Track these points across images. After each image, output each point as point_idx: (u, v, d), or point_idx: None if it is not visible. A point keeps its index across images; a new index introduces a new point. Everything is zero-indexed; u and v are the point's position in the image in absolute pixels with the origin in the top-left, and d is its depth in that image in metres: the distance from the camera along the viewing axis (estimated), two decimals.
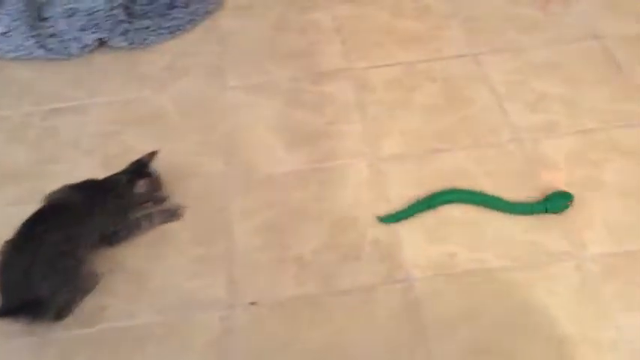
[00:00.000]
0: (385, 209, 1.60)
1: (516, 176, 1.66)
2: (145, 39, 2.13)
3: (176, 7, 2.22)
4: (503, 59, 2.02)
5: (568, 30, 2.10)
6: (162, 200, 1.63)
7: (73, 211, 1.43)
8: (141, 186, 1.55)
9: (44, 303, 1.34)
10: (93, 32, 2.11)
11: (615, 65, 1.96)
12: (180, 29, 2.17)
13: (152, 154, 1.60)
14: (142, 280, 1.50)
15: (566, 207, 1.56)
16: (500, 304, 1.42)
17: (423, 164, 1.72)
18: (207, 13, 2.23)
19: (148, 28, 2.15)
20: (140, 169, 1.57)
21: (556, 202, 1.57)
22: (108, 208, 1.49)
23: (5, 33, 2.13)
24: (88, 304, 1.45)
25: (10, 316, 1.32)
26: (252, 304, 1.44)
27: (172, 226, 1.59)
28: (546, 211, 1.56)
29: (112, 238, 1.52)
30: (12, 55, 2.11)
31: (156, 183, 1.59)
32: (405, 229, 1.57)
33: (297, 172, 1.71)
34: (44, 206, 1.44)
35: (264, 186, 1.69)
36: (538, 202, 1.57)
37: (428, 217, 1.59)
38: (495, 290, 1.45)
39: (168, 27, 2.16)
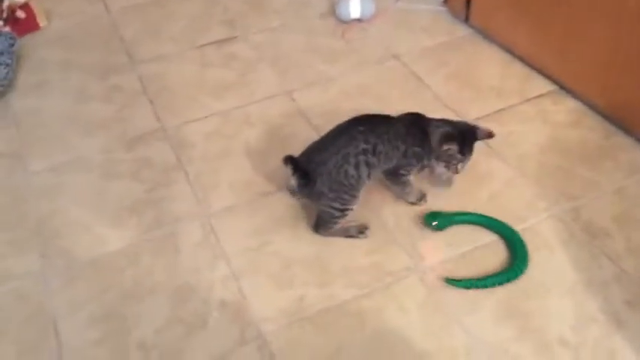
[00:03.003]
0: (224, 268, 1.53)
1: None
2: None
3: None
4: (316, 91, 2.05)
5: (369, 54, 2.20)
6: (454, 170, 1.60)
7: (397, 132, 1.54)
8: (446, 150, 1.54)
9: (314, 192, 1.51)
10: None
11: (416, 78, 2.08)
12: None
13: (489, 135, 1.58)
14: None
15: None
16: (357, 336, 1.40)
17: (256, 210, 1.67)
18: None
19: None
20: (467, 135, 1.56)
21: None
22: (416, 148, 1.55)
23: None
24: None
25: (291, 167, 1.49)
26: None
27: None
28: None
29: (396, 174, 1.58)
30: None
31: (460, 159, 1.57)
32: (249, 282, 1.51)
33: (124, 248, 1.59)
34: (379, 115, 1.57)
35: (90, 272, 1.54)
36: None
37: (271, 263, 1.54)
38: (349, 324, 1.43)
39: None
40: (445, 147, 1.53)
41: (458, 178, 1.70)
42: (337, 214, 1.54)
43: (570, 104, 1.95)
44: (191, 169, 1.79)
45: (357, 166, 1.50)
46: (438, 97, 2.00)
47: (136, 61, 2.19)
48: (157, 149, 1.85)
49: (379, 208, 1.66)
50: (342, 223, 1.57)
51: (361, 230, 1.59)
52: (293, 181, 1.52)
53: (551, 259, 1.54)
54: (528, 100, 1.97)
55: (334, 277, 1.52)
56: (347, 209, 1.54)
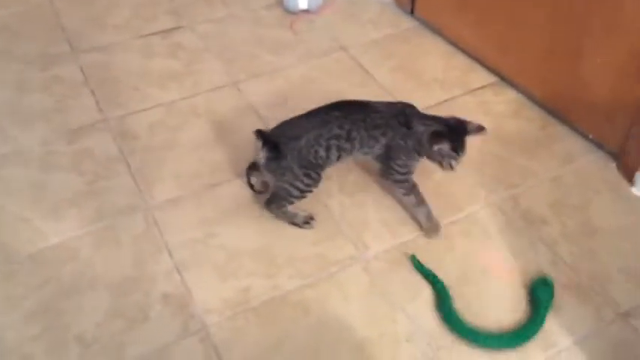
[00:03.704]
0: (167, 261, 1.52)
1: None
2: None
3: None
4: (262, 82, 2.04)
5: (316, 45, 2.20)
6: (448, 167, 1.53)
7: (375, 121, 1.51)
8: (438, 149, 1.48)
9: (281, 167, 1.49)
10: None
11: (362, 70, 2.10)
12: None
13: (480, 129, 1.51)
14: None
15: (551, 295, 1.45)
16: (301, 326, 1.41)
17: (202, 202, 1.66)
18: None
19: None
20: (458, 131, 1.50)
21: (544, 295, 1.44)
22: (400, 141, 1.52)
23: None
24: None
25: (261, 139, 1.48)
26: None
27: None
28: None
29: (385, 161, 1.56)
30: None
31: (453, 156, 1.50)
32: (193, 274, 1.50)
33: (64, 242, 1.56)
34: (358, 101, 1.55)
35: (29, 266, 1.51)
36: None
37: (216, 255, 1.54)
38: (294, 314, 1.43)
39: None
40: (436, 147, 1.48)
41: None
42: (296, 193, 1.54)
43: (510, 95, 2.00)
44: (134, 160, 1.76)
45: (327, 149, 1.50)
46: (384, 88, 2.02)
47: (78, 51, 2.14)
48: (98, 141, 1.82)
49: (326, 198, 1.67)
50: (294, 207, 1.58)
51: (307, 220, 1.60)
52: (261, 154, 1.50)
53: (490, 246, 1.58)
54: (470, 91, 2.02)
55: (279, 268, 1.52)
56: (307, 190, 1.54)
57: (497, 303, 1.46)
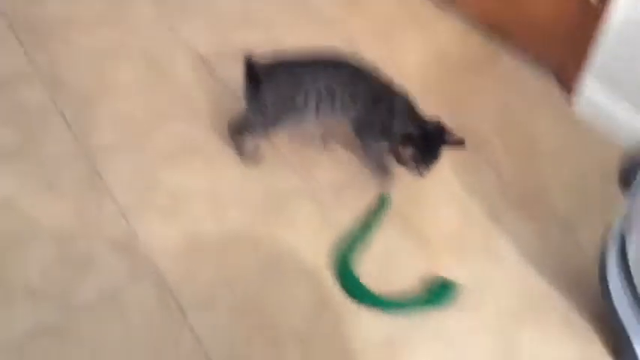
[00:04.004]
0: (111, 206, 1.48)
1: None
2: None
3: None
4: (198, 21, 1.96)
5: None
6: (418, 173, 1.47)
7: (370, 98, 1.46)
8: (404, 151, 1.44)
9: (259, 103, 1.47)
10: None
11: (306, 3, 2.02)
12: None
13: (459, 142, 1.43)
14: None
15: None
16: (252, 261, 1.41)
17: (142, 147, 1.62)
18: None
19: None
20: (433, 138, 1.43)
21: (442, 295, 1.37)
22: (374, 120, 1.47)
23: None
24: None
25: (247, 70, 1.44)
26: None
27: None
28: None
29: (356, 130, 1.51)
30: None
31: (420, 162, 1.44)
32: (139, 218, 1.47)
33: (1, 196, 1.49)
34: (359, 68, 1.48)
35: None
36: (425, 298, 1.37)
37: (161, 198, 1.51)
38: (244, 249, 1.43)
39: None
40: (402, 149, 1.45)
41: None
42: (261, 129, 1.53)
43: (455, 23, 1.97)
44: (68, 108, 1.68)
45: (307, 100, 1.45)
46: (329, 22, 1.97)
47: None
48: (28, 91, 1.72)
49: (274, 137, 1.63)
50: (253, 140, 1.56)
51: (254, 155, 1.58)
52: (244, 87, 1.47)
53: (437, 169, 1.59)
54: (415, 21, 1.99)
55: (227, 207, 1.51)
56: (273, 131, 1.54)
57: (446, 223, 1.49)
